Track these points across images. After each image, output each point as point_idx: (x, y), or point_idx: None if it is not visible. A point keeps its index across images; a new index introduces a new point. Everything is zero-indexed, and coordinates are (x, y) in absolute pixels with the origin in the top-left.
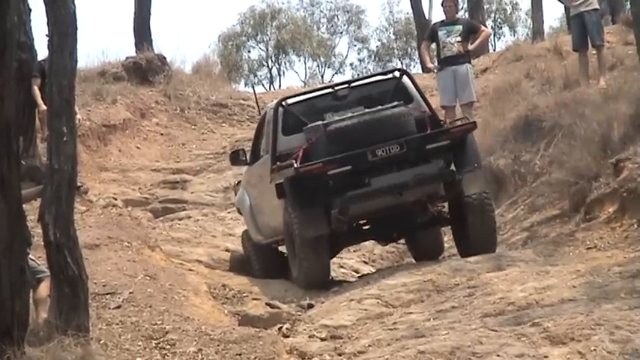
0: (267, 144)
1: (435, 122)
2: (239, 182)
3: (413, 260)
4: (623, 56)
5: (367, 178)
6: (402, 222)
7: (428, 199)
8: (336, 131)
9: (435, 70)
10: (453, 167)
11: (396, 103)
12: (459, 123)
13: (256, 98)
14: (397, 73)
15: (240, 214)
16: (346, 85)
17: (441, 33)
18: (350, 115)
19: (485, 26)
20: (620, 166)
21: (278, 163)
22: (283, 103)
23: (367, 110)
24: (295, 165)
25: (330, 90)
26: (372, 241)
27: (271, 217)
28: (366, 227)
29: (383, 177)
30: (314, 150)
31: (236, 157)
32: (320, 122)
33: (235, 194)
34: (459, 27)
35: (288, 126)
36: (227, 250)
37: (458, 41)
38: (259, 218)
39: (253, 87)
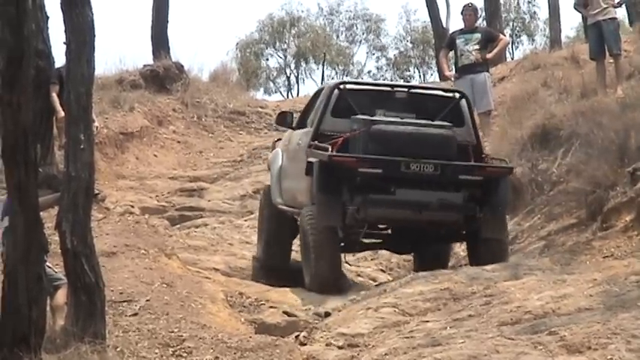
0: (313, 118)
1: (477, 154)
2: (279, 139)
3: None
4: None
5: (393, 187)
6: (417, 234)
7: (445, 224)
8: (380, 132)
9: (453, 79)
10: (478, 203)
11: (446, 123)
12: (497, 163)
13: None
14: (457, 95)
15: (269, 170)
16: (405, 89)
17: (459, 41)
18: (399, 119)
19: (504, 35)
20: (637, 175)
21: (317, 141)
22: (341, 86)
23: (416, 121)
24: (330, 152)
25: (388, 88)
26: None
27: (296, 186)
28: (380, 237)
29: (408, 191)
30: (353, 142)
31: (283, 119)
32: (368, 117)
33: (272, 150)
34: (478, 35)
35: (338, 109)
36: (249, 259)
37: (476, 49)
38: (285, 182)
39: None
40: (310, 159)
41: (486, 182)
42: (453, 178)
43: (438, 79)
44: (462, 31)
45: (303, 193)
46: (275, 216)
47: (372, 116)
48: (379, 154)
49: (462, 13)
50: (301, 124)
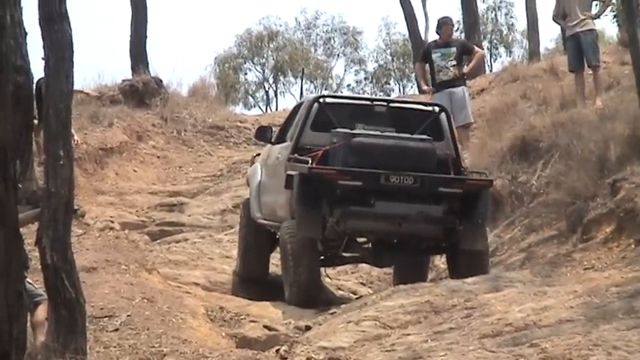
0: (293, 132)
1: (457, 167)
2: (258, 154)
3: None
4: (619, 76)
5: (373, 199)
6: (396, 247)
7: (425, 236)
8: (360, 145)
9: (431, 93)
10: (457, 215)
11: (425, 137)
12: (477, 176)
13: None
14: (437, 108)
15: (248, 185)
16: (385, 103)
17: (435, 56)
18: (379, 133)
19: (481, 47)
20: (617, 186)
21: (296, 155)
22: (320, 99)
23: (395, 135)
24: (310, 165)
25: (368, 102)
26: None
27: (275, 200)
28: (359, 250)
29: (388, 203)
30: (333, 155)
31: (262, 133)
32: (348, 130)
33: (251, 165)
34: (453, 49)
35: (318, 122)
36: (230, 273)
37: (453, 65)
38: (264, 197)
39: None
40: (290, 172)
41: (466, 194)
42: (433, 190)
43: (417, 92)
44: (437, 45)
45: (283, 207)
46: (254, 229)
47: (351, 130)
48: (359, 166)
49: (437, 32)
50: (281, 139)
